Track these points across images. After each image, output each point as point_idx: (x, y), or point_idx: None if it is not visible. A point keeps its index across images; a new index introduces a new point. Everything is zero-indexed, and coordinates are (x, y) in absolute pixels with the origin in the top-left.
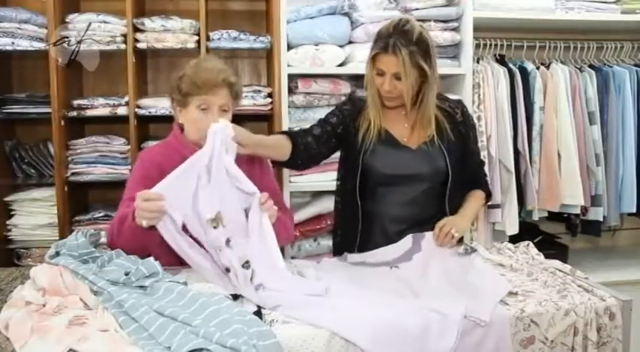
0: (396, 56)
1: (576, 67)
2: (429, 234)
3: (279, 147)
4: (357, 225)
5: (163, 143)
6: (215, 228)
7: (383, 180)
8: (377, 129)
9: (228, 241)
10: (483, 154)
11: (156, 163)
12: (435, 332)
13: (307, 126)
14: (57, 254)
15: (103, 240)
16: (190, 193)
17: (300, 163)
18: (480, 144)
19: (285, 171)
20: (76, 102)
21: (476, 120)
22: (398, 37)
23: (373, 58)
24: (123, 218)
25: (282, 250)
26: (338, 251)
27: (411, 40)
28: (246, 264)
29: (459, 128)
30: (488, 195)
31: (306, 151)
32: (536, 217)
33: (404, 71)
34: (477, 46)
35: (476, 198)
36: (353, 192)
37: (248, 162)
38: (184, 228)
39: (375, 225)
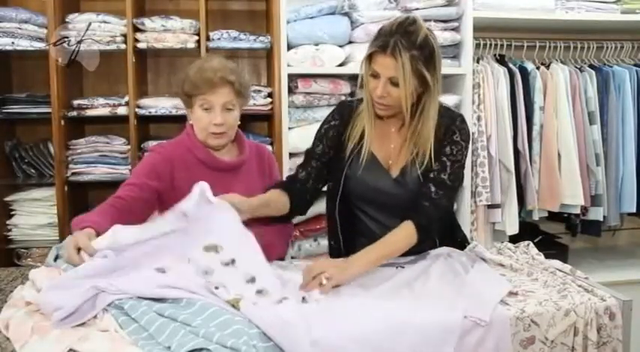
0: (394, 59)
1: (576, 67)
2: (432, 251)
3: (278, 202)
4: (339, 244)
5: (176, 141)
6: (216, 252)
7: (362, 204)
8: (366, 154)
9: (233, 261)
10: (483, 154)
11: (167, 157)
12: (433, 341)
13: (307, 126)
14: (57, 257)
15: None
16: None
17: (300, 212)
18: (480, 144)
19: (285, 172)
20: (76, 102)
21: (476, 120)
22: (400, 38)
23: (370, 58)
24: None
25: None
26: (332, 255)
27: (414, 43)
28: (251, 280)
29: (440, 148)
30: (421, 227)
31: (300, 200)
32: (536, 217)
33: (402, 77)
34: (477, 46)
35: (399, 237)
36: (333, 212)
37: (258, 163)
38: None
39: (357, 244)
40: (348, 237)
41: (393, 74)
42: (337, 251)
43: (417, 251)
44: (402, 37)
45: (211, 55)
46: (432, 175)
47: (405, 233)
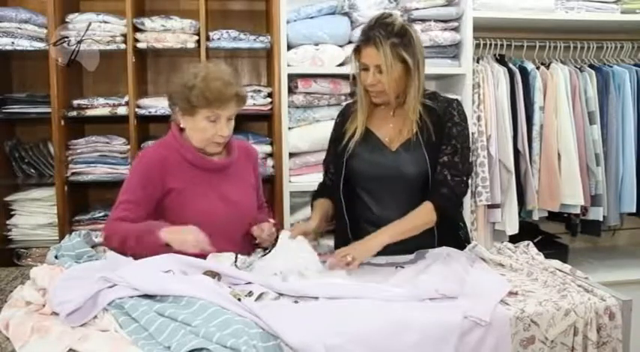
0: (376, 48)
1: (576, 67)
2: (431, 250)
3: (329, 208)
4: (346, 227)
5: (162, 142)
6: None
7: (365, 182)
8: (361, 132)
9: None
10: (483, 154)
11: (157, 161)
12: (433, 341)
13: (307, 126)
14: (56, 257)
15: (97, 240)
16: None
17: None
18: (480, 144)
19: (285, 171)
20: (76, 102)
21: (476, 120)
22: (379, 29)
23: (357, 53)
24: (141, 235)
25: None
26: (339, 241)
27: (392, 32)
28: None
29: (442, 127)
30: (440, 208)
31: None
32: (536, 217)
33: (385, 63)
34: (477, 46)
35: (417, 214)
36: (338, 194)
37: (245, 162)
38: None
39: (362, 226)
40: (353, 221)
41: (378, 62)
42: (344, 235)
43: (417, 249)
44: (381, 29)
45: (213, 65)
46: (445, 159)
47: (425, 211)
